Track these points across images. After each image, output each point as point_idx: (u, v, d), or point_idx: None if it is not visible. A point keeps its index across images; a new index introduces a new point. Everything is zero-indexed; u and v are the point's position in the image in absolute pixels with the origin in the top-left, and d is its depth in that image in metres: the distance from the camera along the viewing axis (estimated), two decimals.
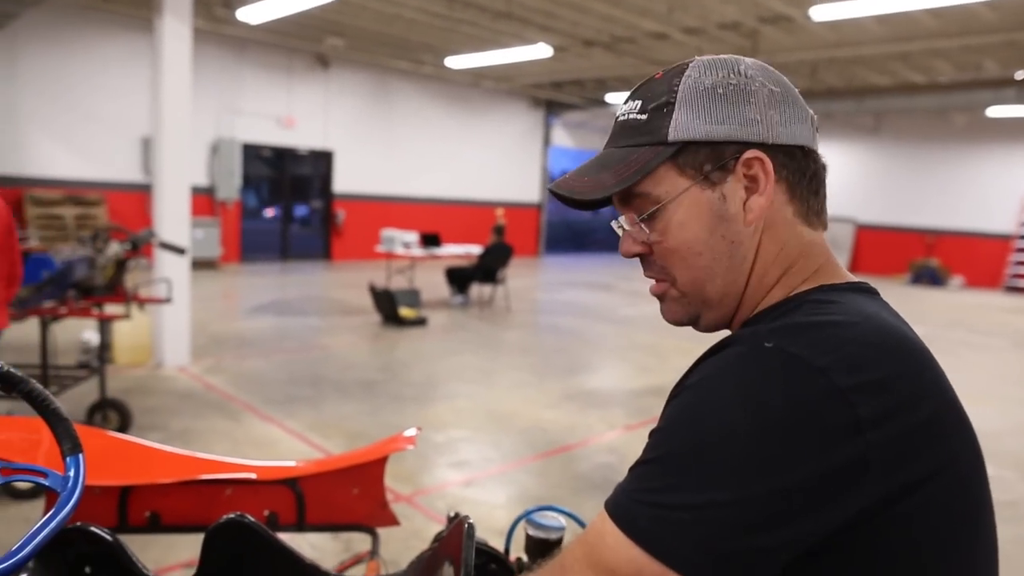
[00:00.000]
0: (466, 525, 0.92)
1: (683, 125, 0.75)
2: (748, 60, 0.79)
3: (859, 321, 0.68)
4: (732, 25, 9.83)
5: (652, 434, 0.68)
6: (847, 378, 0.62)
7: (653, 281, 0.83)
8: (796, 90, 0.81)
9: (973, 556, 0.69)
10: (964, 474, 0.68)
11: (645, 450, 0.67)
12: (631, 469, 0.67)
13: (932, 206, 15.63)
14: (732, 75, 0.76)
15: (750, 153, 0.75)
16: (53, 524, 0.85)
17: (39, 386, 0.97)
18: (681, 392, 0.69)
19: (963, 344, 8.55)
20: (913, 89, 13.16)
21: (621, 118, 0.81)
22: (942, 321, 10.20)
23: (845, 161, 16.69)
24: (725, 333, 0.81)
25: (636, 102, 0.80)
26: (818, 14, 8.20)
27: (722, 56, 0.80)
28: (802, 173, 0.78)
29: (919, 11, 8.25)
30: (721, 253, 0.77)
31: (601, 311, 9.51)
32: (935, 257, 15.36)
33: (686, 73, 0.77)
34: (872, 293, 0.78)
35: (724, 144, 0.75)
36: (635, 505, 0.64)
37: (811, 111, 0.80)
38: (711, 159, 0.75)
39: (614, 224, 0.85)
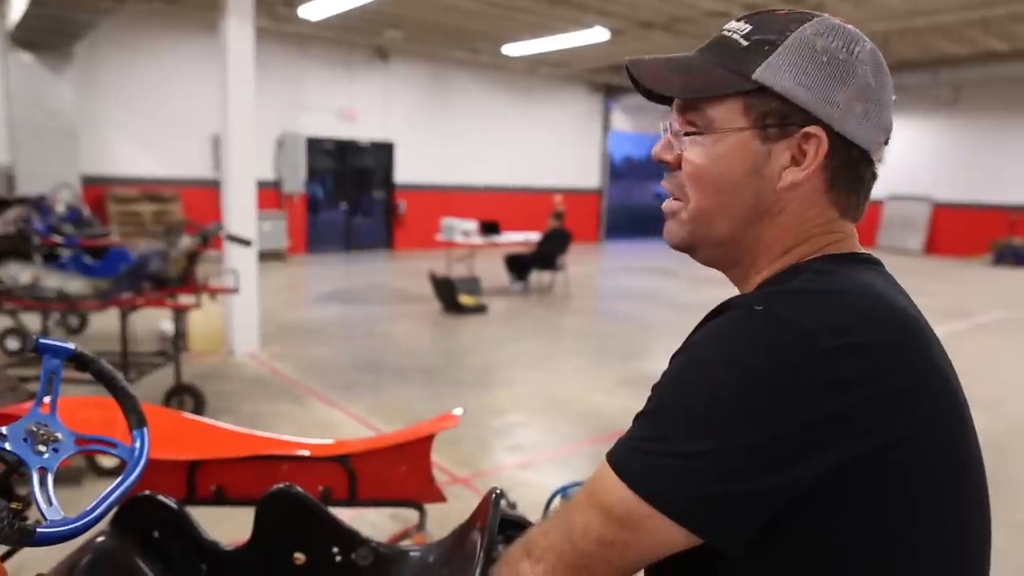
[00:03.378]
0: (493, 495, 0.98)
1: (773, 71, 0.75)
2: (869, 46, 0.77)
3: (850, 288, 0.72)
4: None
5: (653, 388, 0.73)
6: (832, 340, 0.65)
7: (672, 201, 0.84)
8: (894, 99, 0.80)
9: (956, 514, 0.71)
10: (945, 439, 0.69)
11: (645, 403, 0.73)
12: (633, 420, 0.73)
13: (1016, 181, 14.73)
14: (843, 51, 0.75)
15: (813, 129, 0.75)
16: (121, 489, 0.94)
17: (109, 366, 1.06)
18: (680, 351, 0.74)
19: None
20: (994, 57, 12.45)
21: (726, 33, 0.81)
22: None
23: (920, 136, 15.92)
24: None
25: (748, 26, 0.79)
26: None
27: (850, 28, 0.78)
28: (849, 170, 0.78)
29: None
30: (740, 202, 0.78)
31: (662, 297, 9.41)
32: (1019, 235, 14.55)
33: (805, 25, 0.77)
34: (874, 264, 0.80)
35: (796, 108, 0.75)
36: (629, 452, 0.70)
37: (891, 123, 0.80)
38: (777, 116, 0.76)
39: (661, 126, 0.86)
